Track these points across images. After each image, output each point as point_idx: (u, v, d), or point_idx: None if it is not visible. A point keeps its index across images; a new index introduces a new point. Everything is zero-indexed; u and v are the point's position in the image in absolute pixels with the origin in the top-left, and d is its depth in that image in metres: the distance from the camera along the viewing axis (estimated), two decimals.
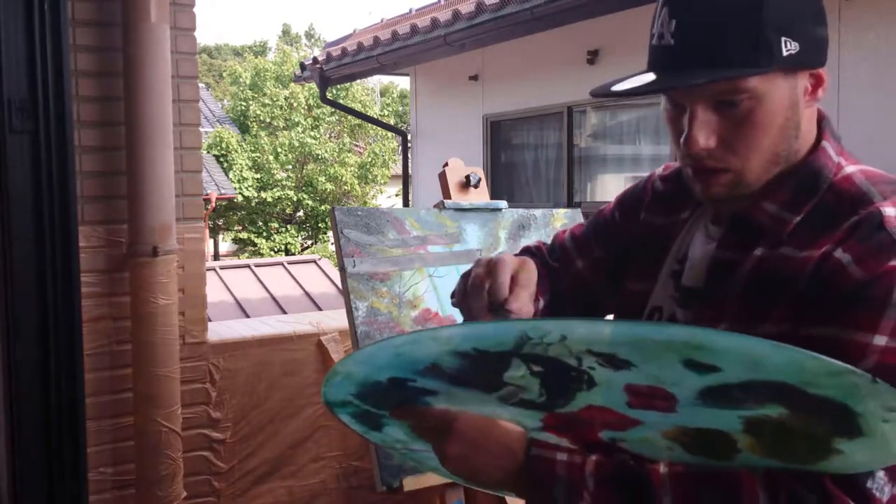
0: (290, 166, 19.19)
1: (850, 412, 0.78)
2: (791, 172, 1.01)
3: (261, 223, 19.01)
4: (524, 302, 1.05)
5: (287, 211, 19.32)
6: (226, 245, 20.69)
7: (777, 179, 1.01)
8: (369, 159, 19.27)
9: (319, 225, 19.51)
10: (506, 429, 0.95)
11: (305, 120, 19.50)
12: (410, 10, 9.54)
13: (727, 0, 0.94)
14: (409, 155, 9.27)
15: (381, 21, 9.92)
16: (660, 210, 1.18)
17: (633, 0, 5.22)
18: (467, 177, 2.38)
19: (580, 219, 2.44)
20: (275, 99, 19.50)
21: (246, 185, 18.37)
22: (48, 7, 2.24)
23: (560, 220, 2.41)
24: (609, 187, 7.35)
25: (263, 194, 18.58)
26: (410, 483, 1.97)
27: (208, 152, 17.60)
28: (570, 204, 7.08)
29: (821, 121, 1.05)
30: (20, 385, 2.30)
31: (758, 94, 0.95)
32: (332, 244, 16.31)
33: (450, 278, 2.19)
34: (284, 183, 18.98)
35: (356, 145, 20.70)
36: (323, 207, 18.84)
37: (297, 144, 18.82)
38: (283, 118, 19.38)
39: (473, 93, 8.05)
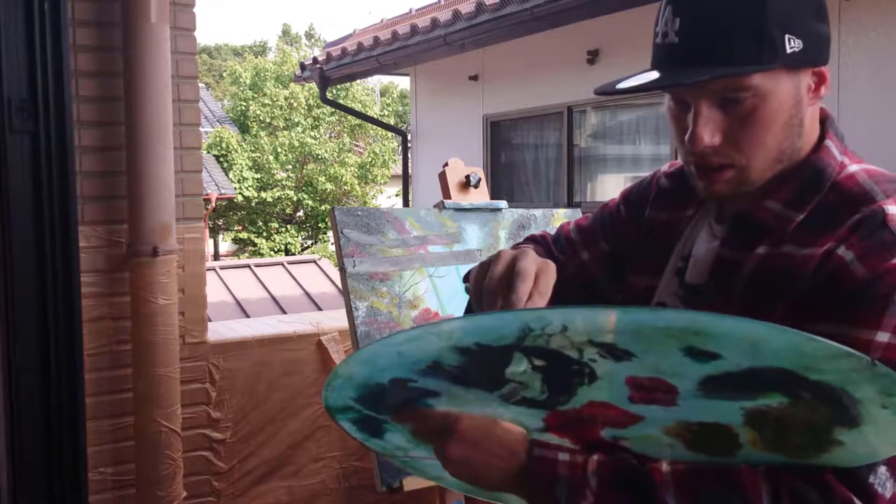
0: (290, 166, 19.20)
1: (850, 398, 0.78)
2: (794, 171, 1.02)
3: (261, 223, 19.01)
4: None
5: (287, 211, 19.32)
6: (226, 245, 20.69)
7: (780, 178, 1.01)
8: (369, 159, 19.27)
9: (319, 225, 19.51)
10: (508, 430, 0.94)
11: (305, 120, 19.50)
12: (410, 10, 9.55)
13: None
14: (409, 155, 9.28)
15: (381, 21, 9.92)
16: (664, 207, 1.19)
17: (633, 0, 5.22)
18: (467, 177, 2.38)
19: None
20: (275, 99, 19.50)
21: (246, 185, 18.37)
22: (48, 7, 2.24)
23: (560, 220, 2.42)
24: (609, 187, 7.35)
25: (263, 194, 18.58)
26: (410, 483, 1.97)
27: (208, 152, 17.60)
28: (570, 204, 7.08)
29: (824, 119, 1.05)
30: (20, 385, 2.30)
31: (762, 92, 0.96)
32: (332, 244, 16.31)
33: (450, 278, 2.19)
34: (284, 183, 18.98)
35: (356, 145, 20.70)
36: (323, 207, 18.84)
37: (297, 144, 18.82)
38: (283, 118, 19.38)
39: (473, 93, 8.05)
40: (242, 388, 2.65)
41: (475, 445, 0.94)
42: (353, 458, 2.85)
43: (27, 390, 2.31)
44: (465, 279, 1.13)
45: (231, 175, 18.19)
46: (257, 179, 18.66)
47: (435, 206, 2.32)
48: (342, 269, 2.08)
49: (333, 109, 18.22)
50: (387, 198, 20.28)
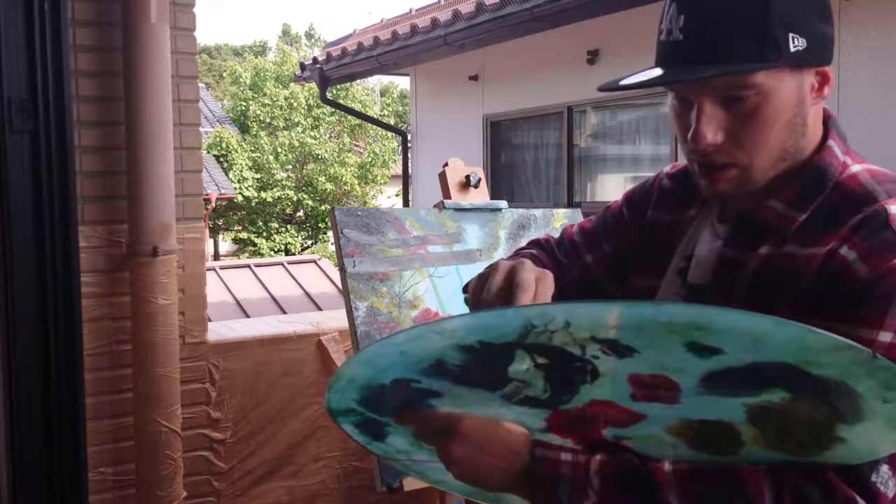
0: (290, 166, 19.20)
1: (851, 393, 0.78)
2: (797, 171, 1.02)
3: (261, 223, 19.01)
4: None
5: (287, 211, 19.32)
6: (226, 245, 20.69)
7: (783, 177, 1.02)
8: (369, 159, 19.27)
9: (319, 225, 19.51)
10: (510, 430, 0.95)
11: (305, 120, 19.50)
12: (410, 10, 9.55)
13: None
14: (409, 155, 9.27)
15: (381, 21, 9.92)
16: (667, 207, 1.19)
17: (633, 0, 5.22)
18: (467, 177, 2.38)
19: (580, 219, 2.44)
20: (275, 99, 19.50)
21: (246, 185, 18.37)
22: (48, 7, 2.24)
23: (560, 220, 2.41)
24: (609, 187, 7.35)
25: (263, 194, 18.58)
26: (410, 483, 1.97)
27: (208, 152, 17.60)
28: (570, 204, 7.08)
29: (827, 119, 1.05)
30: (20, 385, 2.30)
31: (765, 90, 0.96)
32: (332, 244, 16.31)
33: (450, 278, 2.19)
34: (284, 183, 18.98)
35: (356, 145, 20.70)
36: (323, 207, 18.84)
37: (297, 144, 18.82)
38: (283, 118, 19.38)
39: (473, 93, 8.05)
40: (242, 388, 2.65)
41: (478, 446, 0.94)
42: (353, 458, 2.85)
43: (27, 390, 2.31)
44: (465, 290, 1.14)
45: (231, 175, 18.19)
46: (257, 179, 18.66)
47: (435, 206, 2.32)
48: (342, 269, 2.08)
49: (333, 109, 18.22)
50: (387, 198, 20.28)
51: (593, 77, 6.76)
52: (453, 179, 2.38)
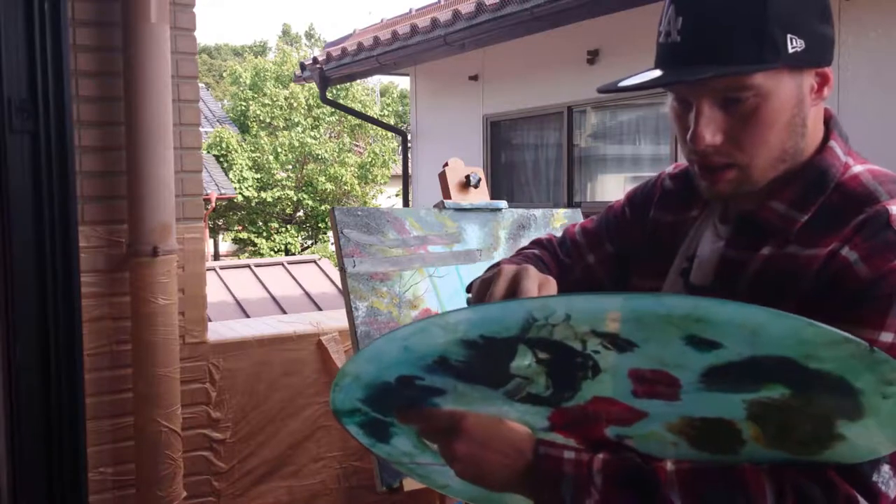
0: (290, 166, 19.20)
1: (850, 388, 0.78)
2: (798, 171, 1.02)
3: (261, 223, 19.00)
4: None
5: (287, 211, 19.32)
6: (226, 245, 20.69)
7: (784, 178, 1.02)
8: (369, 159, 19.27)
9: (319, 225, 19.51)
10: (513, 428, 0.95)
11: (305, 120, 19.50)
12: (410, 10, 9.55)
13: None
14: (409, 155, 9.27)
15: (381, 21, 9.92)
16: (668, 208, 1.19)
17: (633, 0, 5.22)
18: (467, 177, 2.38)
19: (580, 219, 2.44)
20: (275, 99, 19.50)
21: (246, 185, 18.37)
22: (48, 7, 2.24)
23: (560, 220, 2.41)
24: (609, 187, 7.35)
25: (263, 194, 18.58)
26: (410, 483, 1.97)
27: (208, 152, 17.60)
28: (570, 204, 7.08)
29: (828, 120, 1.05)
30: (20, 385, 2.30)
31: (763, 91, 0.96)
32: (332, 244, 16.31)
33: (450, 278, 2.19)
34: (284, 183, 18.98)
35: (356, 145, 20.70)
36: (323, 207, 18.84)
37: (297, 144, 18.82)
38: (283, 118, 19.38)
39: (473, 93, 8.05)
40: (242, 388, 2.65)
41: (481, 444, 0.94)
42: (353, 458, 2.85)
43: (27, 390, 2.31)
44: (468, 290, 1.15)
45: (231, 175, 18.19)
46: (257, 179, 18.66)
47: (435, 206, 2.32)
48: (342, 269, 2.08)
49: (333, 109, 18.22)
50: (387, 198, 20.28)
51: (593, 77, 6.76)
52: (453, 179, 2.38)
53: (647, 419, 0.88)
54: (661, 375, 0.83)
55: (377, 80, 24.48)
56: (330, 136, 20.06)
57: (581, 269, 1.27)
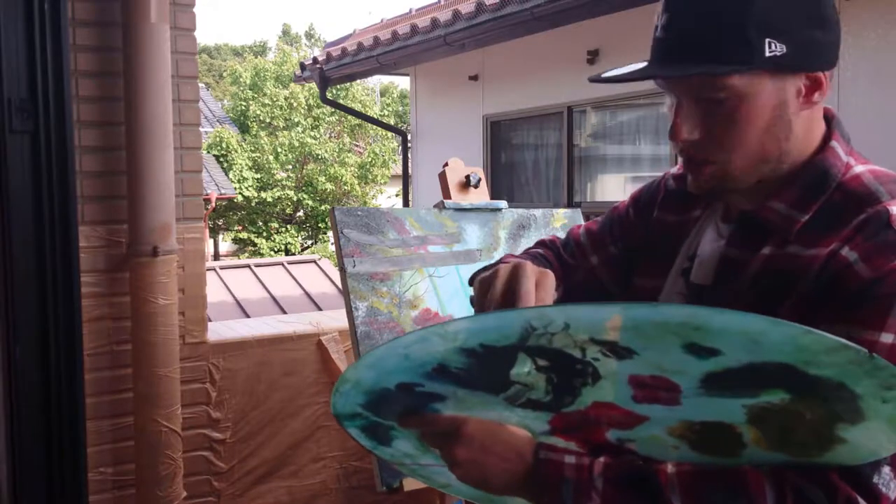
0: (290, 166, 19.19)
1: (850, 393, 0.78)
2: (799, 171, 1.02)
3: (261, 223, 19.00)
4: None
5: (287, 211, 19.31)
6: (226, 245, 20.69)
7: (785, 178, 1.02)
8: (369, 159, 19.26)
9: (319, 225, 19.50)
10: (513, 433, 0.95)
11: (305, 120, 19.50)
12: (410, 10, 9.55)
13: None
14: (409, 155, 9.27)
15: (381, 21, 9.92)
16: (671, 208, 1.19)
17: (633, 0, 5.22)
18: (467, 177, 2.38)
19: (580, 219, 2.44)
20: (275, 99, 19.50)
21: (246, 185, 18.36)
22: (48, 7, 2.24)
23: (560, 220, 2.41)
24: (609, 187, 7.35)
25: (263, 194, 18.58)
26: (410, 483, 1.97)
27: (208, 152, 17.59)
28: (570, 204, 7.08)
29: (830, 120, 1.05)
30: (20, 385, 2.30)
31: (740, 93, 0.97)
32: (332, 244, 16.31)
33: (450, 278, 2.19)
34: (284, 183, 18.98)
35: (356, 145, 20.70)
36: (323, 207, 18.83)
37: (297, 144, 18.82)
38: (283, 118, 19.37)
39: (473, 93, 8.04)
40: (242, 388, 2.65)
41: (482, 448, 0.94)
42: (353, 458, 2.85)
43: (27, 390, 2.31)
44: (470, 282, 1.15)
45: (231, 175, 18.19)
46: (257, 179, 18.65)
47: (435, 206, 2.31)
48: (342, 269, 2.08)
49: (333, 109, 18.22)
50: (387, 198, 20.27)
51: None
52: (453, 179, 2.38)
53: (648, 423, 0.88)
54: (661, 381, 0.83)
55: (377, 80, 24.49)
56: (330, 136, 20.06)
57: (584, 272, 1.27)
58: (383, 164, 19.37)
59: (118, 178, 2.39)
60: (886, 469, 0.87)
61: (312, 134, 19.28)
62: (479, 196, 2.38)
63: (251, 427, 2.68)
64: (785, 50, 0.96)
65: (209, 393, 2.60)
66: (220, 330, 2.76)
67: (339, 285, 2.24)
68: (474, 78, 7.95)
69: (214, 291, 5.59)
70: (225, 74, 27.01)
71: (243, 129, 20.22)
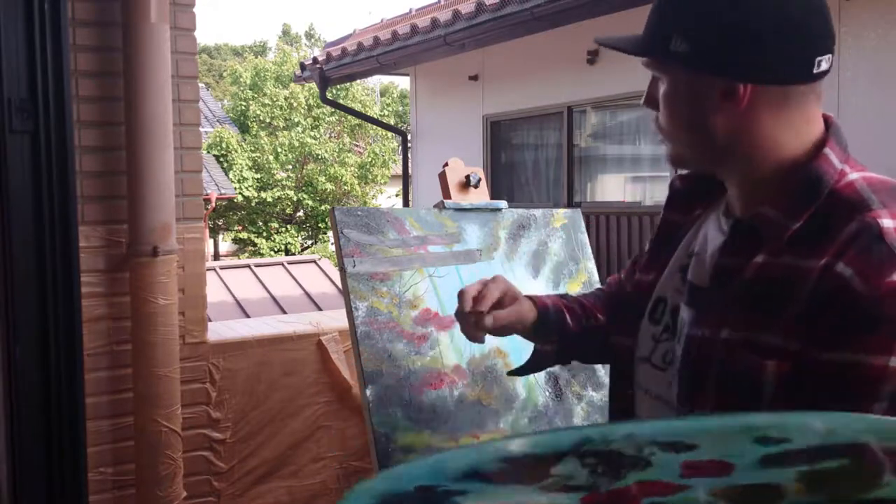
0: (290, 166, 19.19)
1: None
2: (791, 178, 1.03)
3: (261, 223, 19.00)
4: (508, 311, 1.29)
5: (287, 211, 19.31)
6: (226, 245, 20.69)
7: (777, 184, 1.03)
8: (369, 159, 19.27)
9: (319, 225, 19.50)
10: None
11: (305, 120, 19.50)
12: (410, 10, 9.55)
13: None
14: (409, 155, 9.27)
15: (381, 21, 9.92)
16: (677, 207, 1.23)
17: (634, 0, 5.22)
18: (467, 177, 2.38)
19: (580, 219, 2.44)
20: (275, 99, 19.50)
21: (246, 185, 18.36)
22: (48, 7, 2.24)
23: (560, 220, 2.41)
24: (609, 187, 7.35)
25: (263, 194, 18.58)
26: None
27: (208, 152, 17.59)
28: (570, 204, 7.08)
29: (829, 127, 1.06)
30: (20, 385, 2.30)
31: (666, 80, 1.07)
32: (332, 244, 16.30)
33: (450, 278, 2.19)
34: (284, 183, 18.98)
35: (356, 145, 20.70)
36: (323, 207, 18.84)
37: (297, 144, 18.82)
38: (283, 118, 19.37)
39: (473, 93, 8.04)
40: (242, 388, 2.65)
41: None
42: (353, 458, 2.85)
43: (27, 390, 2.31)
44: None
45: (231, 175, 18.19)
46: (257, 179, 18.65)
47: (435, 206, 2.31)
48: (342, 269, 2.08)
49: (333, 109, 18.22)
50: (387, 198, 20.27)
51: (593, 77, 6.76)
52: (453, 179, 2.37)
53: (689, 490, 0.86)
54: (716, 463, 0.81)
55: (377, 80, 24.48)
56: (330, 136, 20.06)
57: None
58: (383, 164, 19.37)
59: (118, 178, 2.39)
60: None
61: (312, 134, 19.28)
62: (479, 196, 2.38)
63: (251, 427, 2.68)
64: (689, 49, 1.02)
65: (209, 393, 2.60)
66: (220, 330, 2.76)
67: (339, 285, 2.24)
68: (474, 78, 7.95)
69: (214, 291, 5.59)
70: (225, 74, 27.01)
71: (243, 129, 20.22)
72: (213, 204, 16.98)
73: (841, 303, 0.92)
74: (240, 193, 18.16)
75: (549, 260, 2.33)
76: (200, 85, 13.82)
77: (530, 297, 1.41)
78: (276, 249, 18.62)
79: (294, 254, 17.78)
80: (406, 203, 9.34)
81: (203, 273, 2.56)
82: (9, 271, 2.27)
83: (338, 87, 16.64)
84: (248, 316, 5.58)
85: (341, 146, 19.48)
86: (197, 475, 2.58)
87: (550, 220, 2.40)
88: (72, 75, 2.32)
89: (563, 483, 0.84)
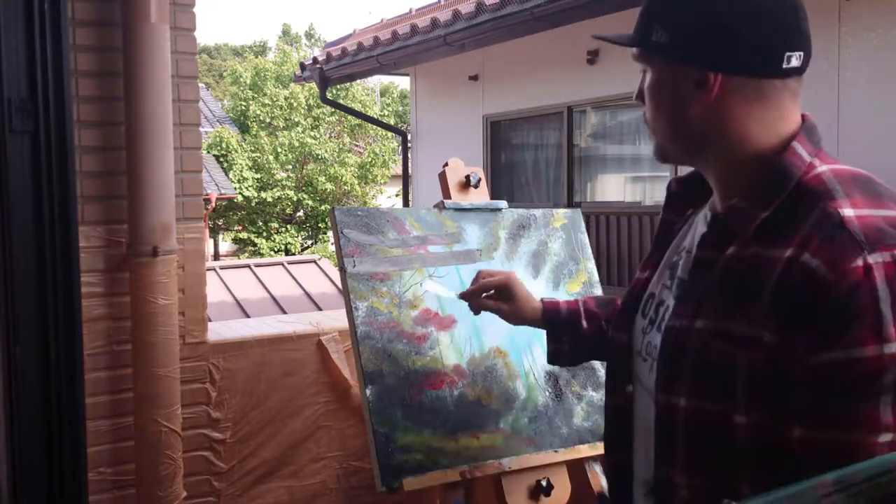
0: (290, 166, 19.19)
1: None
2: (759, 170, 1.06)
3: (261, 223, 19.00)
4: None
5: (287, 211, 19.31)
6: (226, 245, 20.70)
7: (748, 177, 1.06)
8: (369, 159, 19.27)
9: (319, 225, 19.51)
10: None
11: (305, 120, 19.49)
12: (410, 10, 9.55)
13: None
14: (409, 155, 9.28)
15: (381, 21, 9.92)
16: (673, 208, 1.26)
17: (634, 0, 5.21)
18: (467, 177, 2.38)
19: (580, 219, 2.44)
20: (275, 99, 19.49)
21: (246, 185, 18.36)
22: (48, 7, 2.24)
23: (560, 220, 2.41)
24: (609, 187, 7.35)
25: (263, 194, 18.58)
26: (410, 483, 1.97)
27: (208, 152, 17.59)
28: (570, 204, 7.08)
29: (803, 122, 1.09)
30: (20, 385, 2.30)
31: (650, 70, 1.10)
32: (332, 244, 16.31)
33: (450, 278, 2.19)
34: (284, 183, 18.98)
35: (356, 145, 20.70)
36: (323, 207, 18.84)
37: (297, 144, 18.82)
38: (283, 118, 19.37)
39: (473, 93, 8.04)
40: (242, 388, 2.65)
41: None
42: (353, 458, 2.85)
43: (27, 390, 2.31)
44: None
45: (231, 175, 18.19)
46: (257, 179, 18.65)
47: (435, 206, 2.31)
48: (342, 269, 2.08)
49: (333, 109, 18.22)
50: (387, 198, 20.28)
51: (593, 77, 6.76)
52: (453, 179, 2.37)
53: None
54: None
55: (377, 80, 24.49)
56: (330, 136, 20.06)
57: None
58: (383, 164, 19.37)
59: (118, 178, 2.39)
60: None
61: (312, 134, 19.28)
62: (479, 196, 2.38)
63: (251, 427, 2.68)
64: (668, 39, 1.05)
65: (209, 393, 2.60)
66: (220, 330, 2.76)
67: (339, 285, 2.24)
68: (474, 78, 7.95)
69: (214, 291, 5.59)
70: (225, 74, 27.01)
71: (243, 129, 20.22)
72: (213, 204, 16.98)
73: (810, 294, 0.92)
74: (240, 193, 18.15)
75: (549, 260, 2.33)
76: (200, 85, 13.83)
77: (544, 301, 1.60)
78: (276, 249, 18.62)
79: (294, 254, 17.78)
80: (406, 203, 9.34)
81: (203, 273, 2.56)
82: (9, 271, 2.27)
83: (338, 87, 16.64)
84: (248, 316, 5.58)
85: (341, 146, 19.48)
86: (197, 475, 2.58)
87: (550, 220, 2.40)
88: (72, 75, 2.32)
89: None
